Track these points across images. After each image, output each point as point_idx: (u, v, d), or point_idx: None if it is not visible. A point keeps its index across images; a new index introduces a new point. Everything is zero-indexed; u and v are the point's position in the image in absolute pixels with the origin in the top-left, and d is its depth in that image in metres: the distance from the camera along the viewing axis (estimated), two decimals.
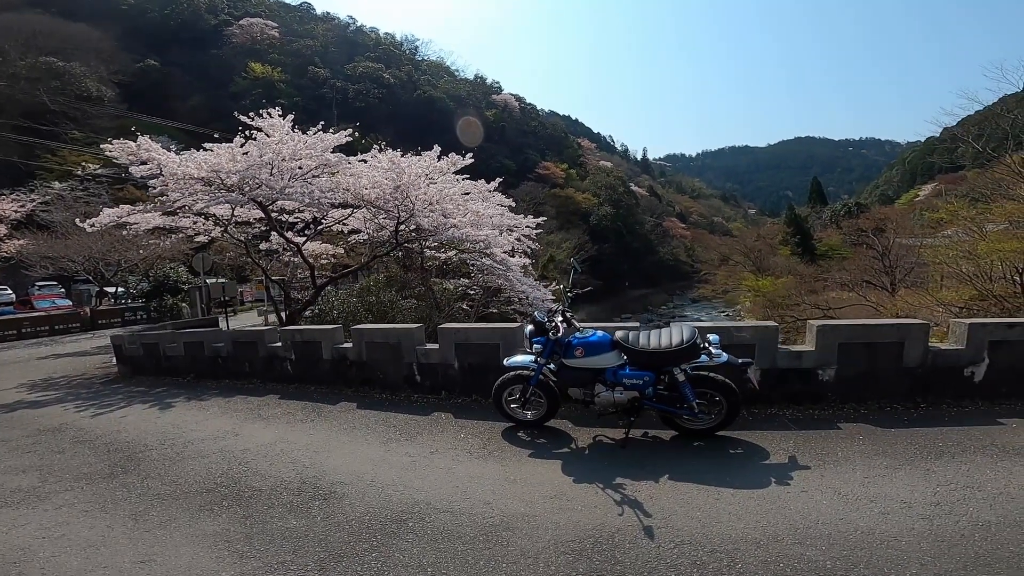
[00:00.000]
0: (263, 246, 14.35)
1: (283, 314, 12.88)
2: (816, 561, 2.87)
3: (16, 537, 3.69)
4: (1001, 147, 18.18)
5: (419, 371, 6.67)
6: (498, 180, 14.66)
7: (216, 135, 11.36)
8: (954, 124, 30.67)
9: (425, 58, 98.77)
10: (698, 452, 4.33)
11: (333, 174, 11.65)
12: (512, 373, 5.03)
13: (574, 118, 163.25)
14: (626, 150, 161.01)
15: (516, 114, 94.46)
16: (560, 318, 4.72)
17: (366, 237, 14.10)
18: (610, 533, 3.21)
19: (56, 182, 38.83)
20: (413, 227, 11.91)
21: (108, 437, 5.99)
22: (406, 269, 14.73)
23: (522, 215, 15.00)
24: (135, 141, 10.25)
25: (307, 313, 12.01)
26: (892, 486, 3.58)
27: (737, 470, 3.95)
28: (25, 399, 8.79)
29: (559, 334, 4.60)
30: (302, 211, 12.19)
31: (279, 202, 11.43)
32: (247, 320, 21.81)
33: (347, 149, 11.97)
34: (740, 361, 4.38)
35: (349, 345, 7.24)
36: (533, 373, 4.83)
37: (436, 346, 6.51)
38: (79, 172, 39.26)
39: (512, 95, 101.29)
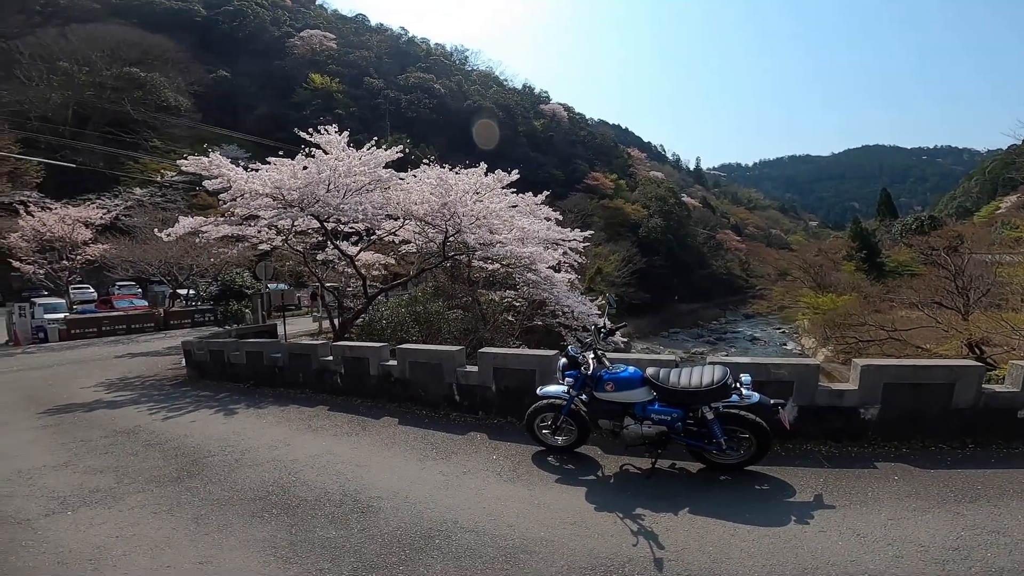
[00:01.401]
0: (320, 256, 15.12)
1: (336, 321, 13.52)
2: None
3: (94, 535, 4.15)
4: None
5: (458, 391, 6.97)
6: (545, 193, 14.81)
7: (280, 152, 12.12)
8: None
9: (475, 68, 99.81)
10: (723, 486, 4.38)
11: (385, 189, 12.18)
12: (545, 402, 5.23)
13: (624, 127, 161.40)
14: (678, 160, 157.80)
15: (564, 124, 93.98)
16: (592, 354, 4.88)
17: (416, 248, 14.60)
18: (622, 563, 3.34)
19: (137, 188, 42.07)
20: (460, 241, 12.27)
21: (176, 441, 6.56)
22: (453, 280, 15.13)
23: (569, 228, 15.09)
24: (207, 156, 11.11)
25: (358, 321, 12.57)
26: (915, 529, 3.56)
27: (759, 506, 3.99)
28: (103, 399, 9.64)
29: (590, 370, 4.75)
30: (356, 222, 12.81)
31: (334, 216, 12.07)
32: (302, 325, 22.82)
33: (399, 162, 12.45)
34: (772, 402, 4.41)
35: (394, 363, 7.64)
36: (565, 403, 5.01)
37: (475, 368, 6.79)
38: (158, 179, 42.50)
39: (560, 104, 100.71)
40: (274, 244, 13.81)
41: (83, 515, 4.51)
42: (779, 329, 47.08)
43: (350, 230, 13.60)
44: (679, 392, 4.49)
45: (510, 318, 14.33)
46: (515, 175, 12.89)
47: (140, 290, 34.15)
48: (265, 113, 58.87)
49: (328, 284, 15.18)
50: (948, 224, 45.56)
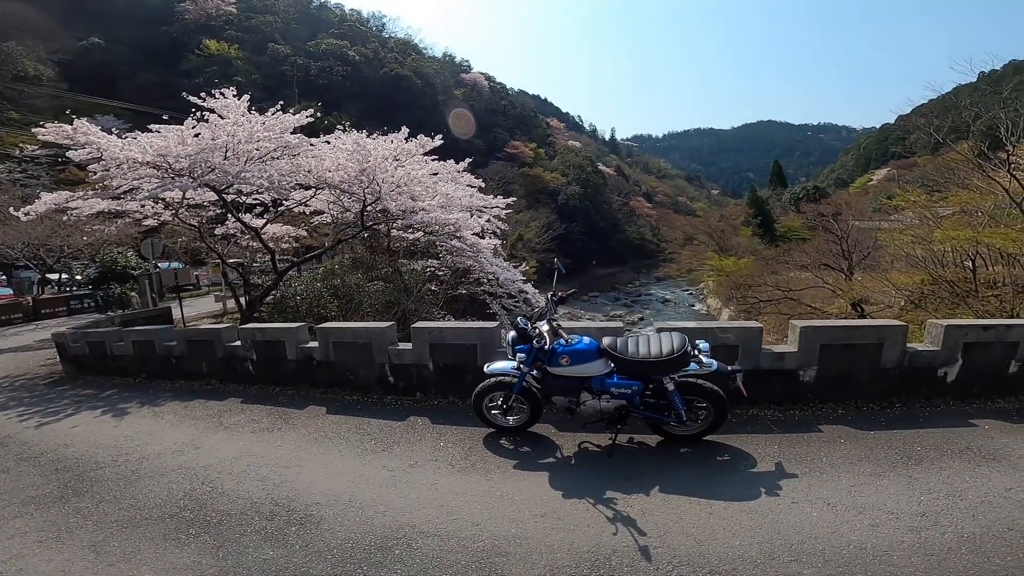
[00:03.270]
0: (219, 230, 13.62)
1: (242, 300, 12.31)
2: None
3: None
4: (956, 134, 18.80)
5: (392, 372, 6.40)
6: (467, 160, 14.37)
7: (166, 116, 10.64)
8: (908, 112, 31.89)
9: (392, 35, 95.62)
10: (686, 460, 4.25)
11: (294, 156, 11.11)
12: (493, 380, 4.82)
13: (543, 98, 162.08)
14: (595, 130, 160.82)
15: (485, 93, 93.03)
16: (545, 325, 4.51)
17: (330, 219, 13.59)
18: (607, 555, 3.09)
19: None
20: (380, 209, 11.51)
21: (56, 452, 5.49)
22: (373, 251, 14.33)
23: (492, 195, 14.80)
24: (71, 123, 9.54)
25: (268, 299, 11.51)
26: (878, 495, 3.59)
27: (726, 480, 3.89)
28: None
29: (543, 342, 4.38)
30: (261, 193, 11.60)
31: (236, 185, 10.83)
32: (204, 306, 20.79)
33: (310, 129, 11.40)
34: (730, 369, 4.31)
35: (315, 344, 6.87)
36: (516, 380, 4.64)
37: (409, 346, 6.24)
38: (16, 153, 37.81)
39: (482, 74, 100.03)
40: (162, 219, 12.26)
41: None
42: (687, 291, 49.93)
43: (254, 201, 12.38)
44: (639, 363, 4.26)
45: (433, 288, 13.92)
46: (438, 140, 12.23)
47: (4, 277, 29.56)
48: (149, 82, 53.30)
49: (231, 260, 13.79)
50: (831, 194, 50.11)
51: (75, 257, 26.04)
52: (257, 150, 10.05)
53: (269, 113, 10.44)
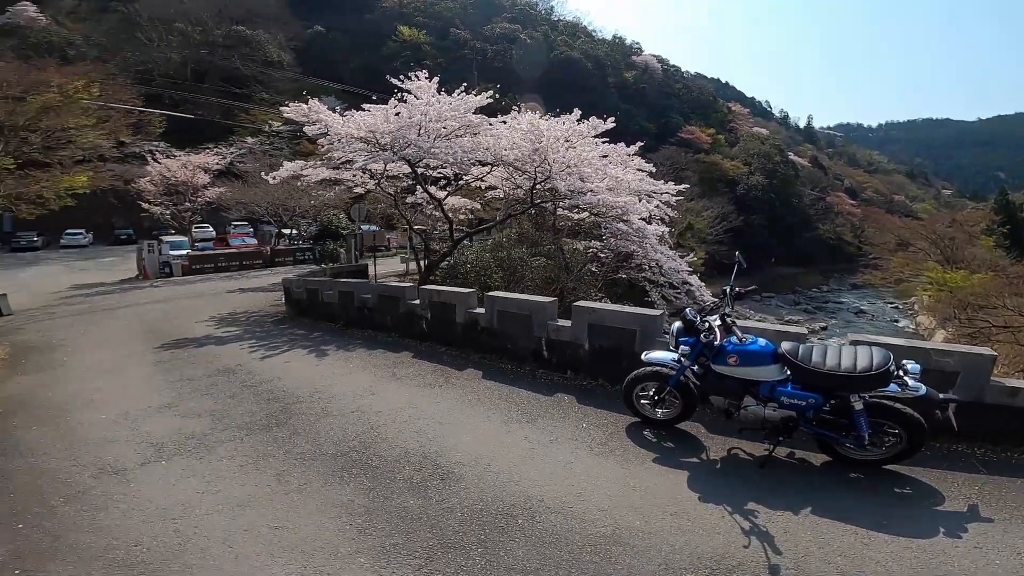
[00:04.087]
0: (409, 199, 15.35)
1: (422, 263, 13.78)
2: None
3: (181, 491, 4.00)
4: None
5: (547, 347, 6.61)
6: (638, 144, 13.88)
7: (374, 96, 12.23)
8: None
9: (561, 18, 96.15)
10: (854, 486, 3.73)
11: (475, 134, 11.93)
12: (649, 369, 4.70)
13: (724, 81, 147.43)
14: (786, 117, 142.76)
15: (658, 76, 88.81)
16: (717, 320, 4.24)
17: (502, 194, 14.34)
18: (729, 567, 2.89)
19: (249, 137, 46.52)
20: (548, 188, 11.83)
21: (270, 384, 6.61)
22: (538, 227, 14.82)
23: (662, 181, 14.16)
24: (307, 104, 11.50)
25: (444, 264, 12.64)
26: None
27: (899, 514, 3.35)
28: (212, 334, 10.13)
29: (712, 336, 4.13)
30: (445, 168, 12.74)
31: (425, 159, 12.02)
32: (391, 266, 23.46)
33: (488, 109, 12.17)
34: (942, 397, 3.64)
35: (481, 311, 7.39)
36: (674, 373, 4.47)
37: (568, 323, 6.36)
38: (266, 129, 46.84)
39: (654, 56, 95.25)
40: (367, 188, 14.23)
41: (176, 465, 4.44)
42: (891, 304, 42.50)
43: (438, 175, 13.69)
44: (824, 375, 3.78)
45: (593, 269, 13.91)
46: (610, 123, 12.11)
47: (252, 229, 36.76)
48: (358, 66, 60.83)
49: (417, 227, 15.41)
50: None
51: (302, 216, 31.44)
52: (444, 128, 11.13)
53: (455, 94, 11.39)
